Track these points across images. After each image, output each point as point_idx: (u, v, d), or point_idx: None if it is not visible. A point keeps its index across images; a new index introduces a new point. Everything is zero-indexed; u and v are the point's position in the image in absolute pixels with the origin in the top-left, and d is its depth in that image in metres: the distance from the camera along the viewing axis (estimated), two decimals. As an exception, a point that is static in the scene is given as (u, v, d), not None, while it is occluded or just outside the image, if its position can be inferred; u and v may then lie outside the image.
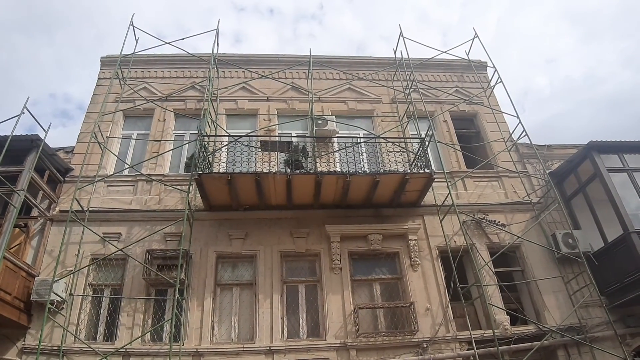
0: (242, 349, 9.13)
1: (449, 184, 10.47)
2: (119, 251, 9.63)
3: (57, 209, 10.57)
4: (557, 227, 11.36)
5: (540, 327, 9.79)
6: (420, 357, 9.21)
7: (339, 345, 9.24)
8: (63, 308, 9.35)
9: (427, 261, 10.50)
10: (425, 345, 9.31)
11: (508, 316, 9.95)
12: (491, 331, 9.04)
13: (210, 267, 10.07)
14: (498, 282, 10.40)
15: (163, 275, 9.32)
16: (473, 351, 9.14)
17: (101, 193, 11.04)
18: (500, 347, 8.93)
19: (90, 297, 9.88)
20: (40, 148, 9.94)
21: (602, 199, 10.87)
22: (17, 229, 10.15)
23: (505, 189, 11.99)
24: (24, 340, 9.11)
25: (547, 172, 12.13)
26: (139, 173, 11.22)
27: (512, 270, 11.06)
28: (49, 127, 10.13)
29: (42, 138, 9.96)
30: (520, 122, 12.72)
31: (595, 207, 11.17)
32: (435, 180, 10.57)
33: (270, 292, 9.79)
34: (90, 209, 10.39)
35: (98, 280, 10.14)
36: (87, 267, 9.87)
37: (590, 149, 11.19)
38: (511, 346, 9.48)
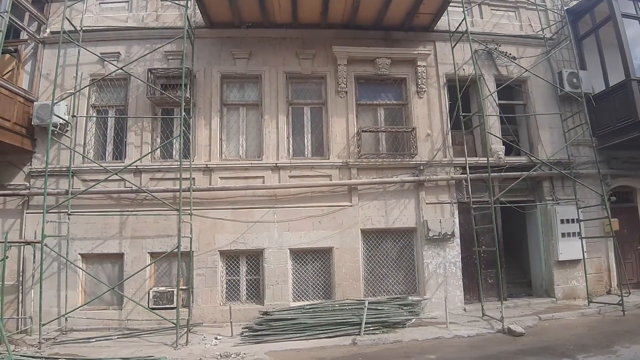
0: (250, 165, 9.65)
1: (465, 9, 9.91)
2: (120, 70, 9.34)
3: (48, 30, 9.98)
4: (564, 65, 11.26)
5: (532, 158, 10.34)
6: (416, 177, 9.87)
7: (341, 164, 9.79)
8: (67, 130, 9.48)
9: (433, 89, 10.51)
10: (422, 168, 9.92)
11: (503, 146, 10.43)
12: (485, 159, 9.51)
13: (215, 86, 9.99)
14: (500, 114, 10.63)
15: (168, 94, 9.26)
16: (466, 175, 9.80)
17: (94, 11, 10.33)
18: (491, 174, 9.52)
19: (94, 119, 9.97)
20: (16, -34, 8.86)
21: (612, 43, 10.67)
22: (7, 55, 9.68)
23: (521, 21, 11.48)
24: (30, 165, 9.41)
25: (565, 8, 11.62)
26: (131, -14, 10.30)
27: (515, 103, 11.28)
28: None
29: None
30: (546, -53, 11.63)
31: (604, 51, 11.04)
32: (451, 4, 9.95)
33: (276, 113, 9.94)
34: (83, 28, 9.80)
35: (101, 101, 10.09)
36: (87, 89, 9.73)
37: (609, -10, 10.65)
38: (502, 174, 10.15)
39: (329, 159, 9.86)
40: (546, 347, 6.98)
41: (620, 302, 9.03)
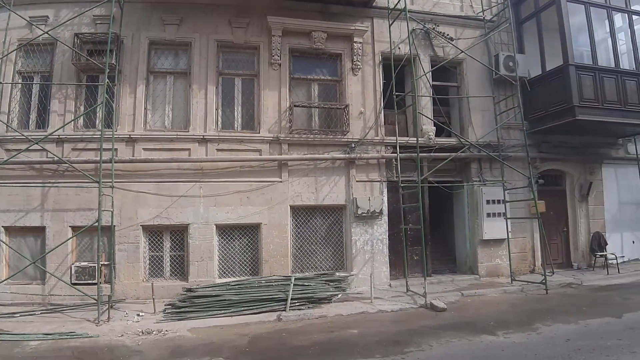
0: (176, 136, 9.47)
1: (406, -15, 9.92)
2: (46, 34, 8.81)
3: (-17, -7, 9.42)
4: (502, 48, 11.58)
5: (462, 140, 10.69)
6: (347, 155, 10.02)
7: (271, 138, 9.76)
8: (-6, 97, 9.04)
9: (368, 66, 10.58)
10: (353, 146, 10.06)
11: (434, 127, 10.70)
12: (416, 139, 9.66)
13: (143, 53, 9.66)
14: (433, 95, 10.87)
15: (93, 60, 8.90)
16: (396, 154, 10.03)
17: (27, -28, 9.75)
18: (421, 154, 9.77)
19: (20, 86, 9.55)
20: None
21: (553, 28, 10.98)
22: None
23: (462, 1, 11.68)
24: (-40, 133, 8.98)
25: (508, -10, 11.84)
26: (58, -56, 9.71)
27: (449, 85, 11.55)
28: None
29: None
30: None
31: (544, 35, 11.36)
32: (392, -20, 9.98)
33: (205, 83, 9.72)
34: (15, -11, 9.27)
35: (27, 67, 9.67)
36: (14, 54, 9.30)
37: (555, -27, 10.87)
38: (431, 154, 10.44)
39: (259, 133, 9.80)
40: (467, 322, 7.26)
41: (544, 281, 9.51)
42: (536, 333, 6.54)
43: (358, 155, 10.04)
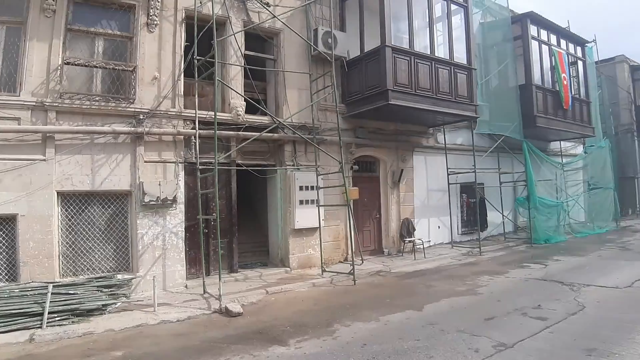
0: None
1: None
2: None
3: None
4: (323, 23, 11.28)
5: (275, 119, 10.08)
6: (133, 128, 8.56)
7: (35, 104, 7.80)
8: None
9: (168, 23, 9.20)
10: (142, 117, 8.62)
11: (244, 102, 9.81)
12: (224, 114, 8.81)
13: None
14: (245, 65, 10.04)
15: None
16: (195, 131, 8.95)
17: None
18: (228, 132, 8.90)
19: None
20: None
21: (375, 9, 11.01)
22: None
23: (290, -32, 10.94)
24: None
25: (333, -37, 11.55)
26: None
27: (265, 57, 10.86)
28: None
29: None
30: None
31: (365, 16, 11.39)
32: None
33: (-49, 30, 7.33)
34: None
35: None
36: None
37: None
38: (239, 133, 9.66)
39: (19, 95, 7.76)
40: (260, 330, 6.59)
41: (352, 271, 9.52)
42: (332, 338, 6.14)
43: (147, 129, 8.62)
